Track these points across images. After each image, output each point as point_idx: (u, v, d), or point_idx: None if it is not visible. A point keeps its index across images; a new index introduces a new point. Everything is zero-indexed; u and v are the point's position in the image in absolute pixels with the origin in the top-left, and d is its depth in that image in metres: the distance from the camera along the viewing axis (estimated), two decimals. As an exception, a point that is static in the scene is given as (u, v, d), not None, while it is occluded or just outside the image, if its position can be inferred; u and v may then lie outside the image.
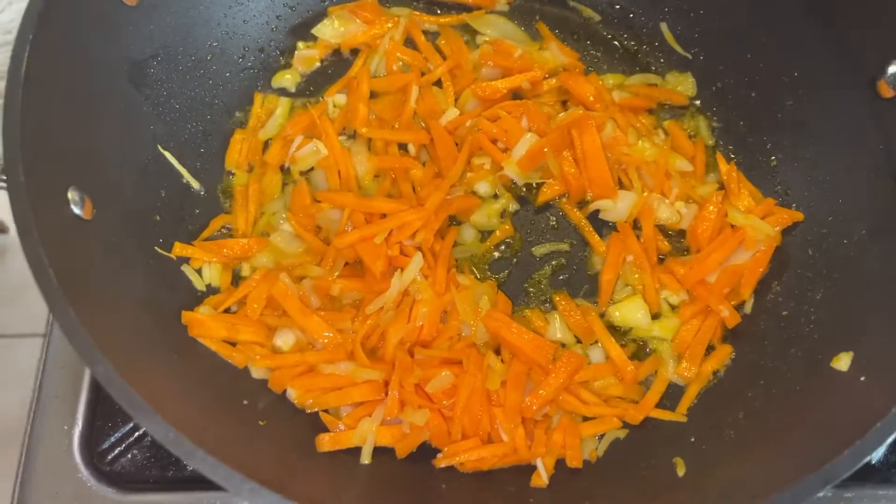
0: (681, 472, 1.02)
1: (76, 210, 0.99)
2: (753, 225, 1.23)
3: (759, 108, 1.33)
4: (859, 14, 1.17)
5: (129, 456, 1.15)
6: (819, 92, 1.26)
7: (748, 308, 1.22)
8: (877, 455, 1.17)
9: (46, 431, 1.16)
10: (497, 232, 1.29)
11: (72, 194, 0.99)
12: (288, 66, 1.40)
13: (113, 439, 1.15)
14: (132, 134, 1.18)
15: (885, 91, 1.13)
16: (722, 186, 1.30)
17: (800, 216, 1.24)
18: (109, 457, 1.15)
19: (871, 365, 0.98)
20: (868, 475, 1.16)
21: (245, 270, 1.22)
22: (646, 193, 1.28)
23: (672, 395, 1.17)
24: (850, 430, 0.85)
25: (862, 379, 0.97)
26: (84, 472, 1.13)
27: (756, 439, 1.02)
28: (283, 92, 1.39)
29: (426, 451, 1.10)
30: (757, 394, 1.10)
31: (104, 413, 1.16)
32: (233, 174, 1.31)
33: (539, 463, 1.07)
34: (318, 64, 1.42)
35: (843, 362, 1.02)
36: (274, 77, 1.39)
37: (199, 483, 1.11)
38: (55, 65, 1.01)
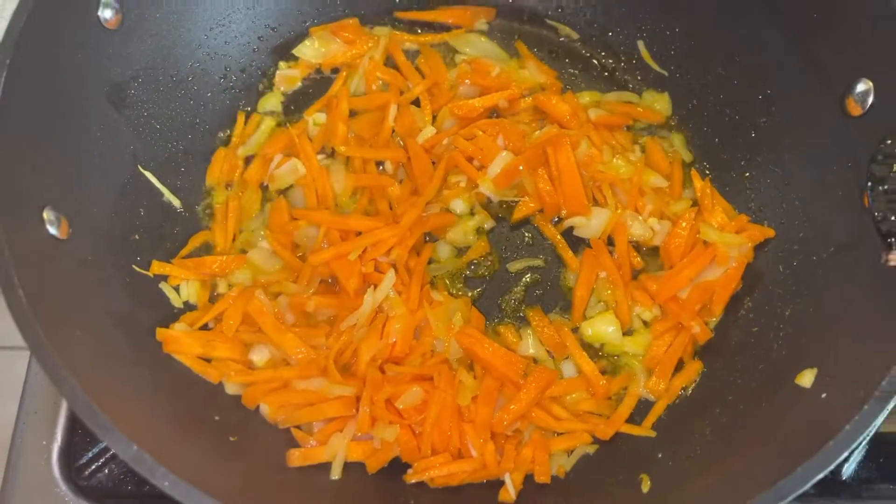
0: (645, 488, 1.03)
1: (51, 230, 1.02)
2: (725, 241, 1.24)
3: (734, 126, 1.35)
4: (828, 33, 1.18)
5: (107, 471, 1.17)
6: (791, 109, 1.27)
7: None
8: (847, 471, 1.18)
9: (26, 446, 1.18)
10: (473, 248, 1.30)
11: (47, 214, 1.02)
12: (270, 87, 1.43)
13: (91, 454, 1.16)
14: (111, 154, 1.20)
15: (853, 109, 1.14)
16: (695, 203, 1.31)
17: (771, 233, 1.25)
18: (87, 471, 1.16)
19: (833, 382, 0.99)
20: (839, 490, 1.17)
21: (221, 287, 1.24)
22: (619, 210, 1.30)
23: (643, 410, 1.18)
24: (807, 448, 0.86)
25: (823, 396, 0.98)
26: (63, 486, 1.15)
27: (720, 456, 1.02)
28: (267, 113, 1.42)
29: (397, 467, 1.12)
30: (724, 410, 1.11)
31: (83, 429, 1.18)
32: (213, 189, 1.33)
33: (507, 478, 1.08)
34: (299, 83, 1.44)
35: (806, 378, 1.02)
36: (259, 102, 1.41)
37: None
38: (33, 88, 1.04)
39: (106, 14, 1.16)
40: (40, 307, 0.89)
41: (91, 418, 0.83)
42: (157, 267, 1.20)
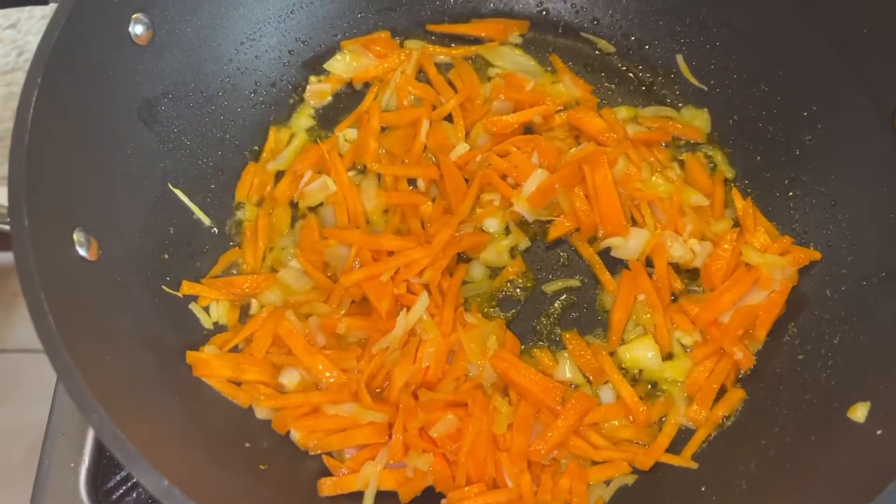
0: (689, 524, 1.00)
1: (81, 251, 1.00)
2: (769, 263, 1.19)
3: (777, 143, 1.31)
4: (879, 48, 1.14)
5: (134, 495, 1.15)
6: (838, 127, 1.23)
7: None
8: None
9: (54, 468, 1.16)
10: (507, 269, 1.27)
11: (77, 236, 1.00)
12: (300, 101, 1.40)
13: (118, 478, 1.15)
14: (141, 172, 1.18)
15: (905, 127, 1.10)
16: (737, 223, 1.27)
17: (817, 255, 1.20)
18: (115, 496, 1.15)
19: (888, 417, 0.95)
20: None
21: (254, 308, 1.22)
22: (658, 230, 1.26)
23: (685, 440, 1.14)
24: (863, 488, 0.82)
25: (879, 432, 0.94)
26: (90, 510, 1.14)
27: (767, 492, 0.99)
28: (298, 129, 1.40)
29: (430, 496, 1.08)
30: (770, 442, 1.07)
31: (111, 452, 1.16)
32: (243, 206, 1.31)
33: (544, 510, 1.05)
34: (329, 98, 1.42)
35: (859, 413, 0.98)
36: (291, 118, 1.39)
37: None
38: (64, 106, 1.02)
39: (137, 30, 1.15)
40: (69, 332, 0.87)
41: (120, 449, 0.81)
42: (187, 287, 1.18)
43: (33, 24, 2.33)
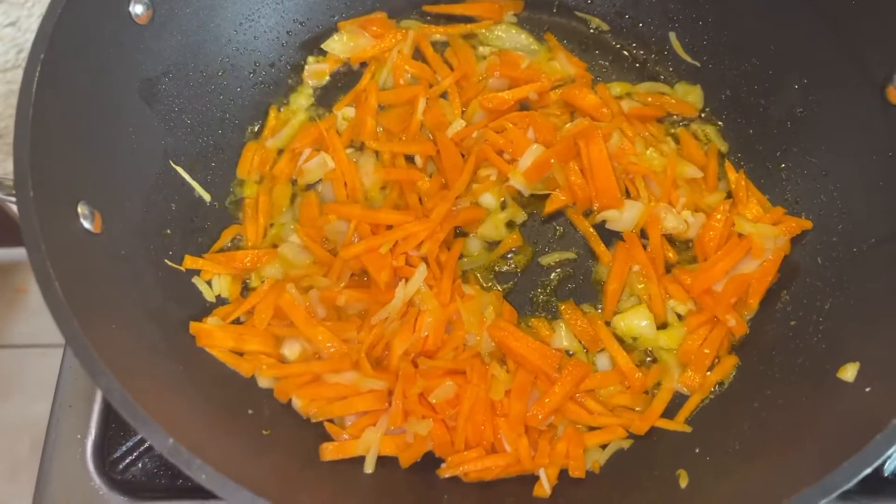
0: (683, 483, 1.01)
1: (86, 224, 1.02)
2: (760, 233, 1.22)
3: (769, 116, 1.32)
4: (868, 20, 1.16)
5: (140, 465, 1.17)
6: (829, 99, 1.24)
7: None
8: (890, 467, 1.15)
9: (61, 439, 1.18)
10: (504, 242, 1.29)
11: (82, 208, 1.02)
12: (299, 81, 1.42)
13: (124, 448, 1.17)
14: (143, 149, 1.20)
15: (894, 97, 1.12)
16: (730, 195, 1.29)
17: (808, 224, 1.22)
18: (121, 465, 1.17)
19: (876, 375, 0.96)
20: (881, 488, 1.14)
21: (254, 281, 1.24)
22: (653, 203, 1.28)
23: (678, 405, 1.16)
24: (852, 442, 0.84)
25: (867, 390, 0.96)
26: (97, 480, 1.16)
27: (760, 451, 1.00)
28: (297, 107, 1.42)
29: (430, 461, 1.11)
30: (763, 404, 1.09)
31: (116, 422, 1.19)
32: (243, 183, 1.33)
33: (542, 473, 1.07)
34: (327, 77, 1.44)
35: (849, 373, 1.00)
36: (290, 98, 1.41)
37: (208, 492, 1.13)
38: (66, 82, 1.04)
39: (137, 9, 1.17)
40: (76, 301, 0.89)
41: (128, 411, 0.83)
42: (190, 262, 1.20)
43: (33, 21, 2.35)
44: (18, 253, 2.86)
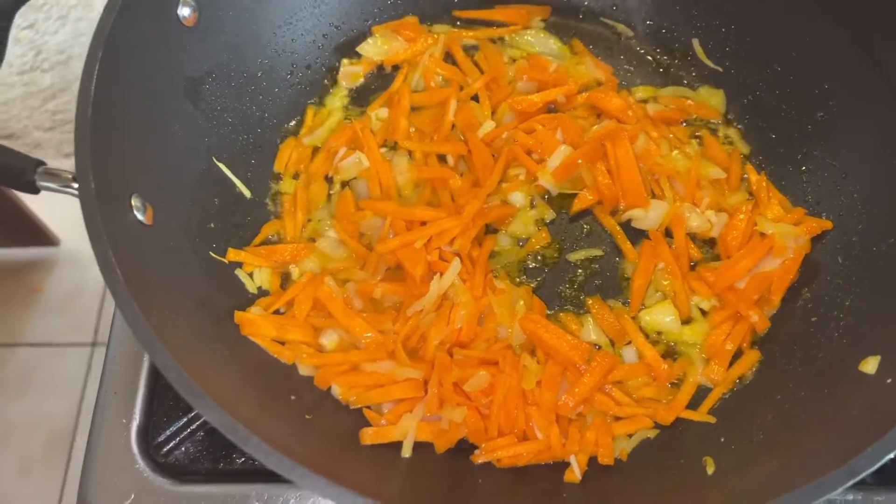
0: (710, 470, 1.05)
1: (139, 216, 1.07)
2: (782, 232, 1.26)
3: (790, 120, 1.36)
4: (887, 27, 1.20)
5: (183, 449, 1.21)
6: (849, 103, 1.28)
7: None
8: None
9: (106, 425, 1.22)
10: (533, 239, 1.33)
11: (135, 201, 1.07)
12: (334, 83, 1.47)
13: (168, 433, 1.21)
14: (189, 146, 1.25)
15: (914, 102, 1.16)
16: (752, 196, 1.33)
17: (829, 224, 1.26)
18: (164, 449, 1.21)
19: (897, 367, 1.01)
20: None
21: (295, 274, 1.28)
22: (677, 203, 1.32)
23: (703, 398, 1.20)
24: (875, 429, 0.88)
25: (889, 381, 0.99)
26: (141, 463, 1.19)
27: (784, 440, 1.04)
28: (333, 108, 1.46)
29: (464, 447, 1.15)
30: (785, 397, 1.13)
31: (160, 408, 1.23)
32: (281, 178, 1.38)
33: (573, 460, 1.11)
34: (361, 79, 1.49)
35: (870, 365, 1.04)
36: (325, 98, 1.46)
37: (248, 476, 1.17)
38: (120, 82, 1.09)
39: (184, 12, 1.22)
40: (133, 286, 0.94)
41: (185, 388, 0.88)
42: (233, 254, 1.25)
43: (50, 24, 2.40)
44: (34, 253, 2.92)
